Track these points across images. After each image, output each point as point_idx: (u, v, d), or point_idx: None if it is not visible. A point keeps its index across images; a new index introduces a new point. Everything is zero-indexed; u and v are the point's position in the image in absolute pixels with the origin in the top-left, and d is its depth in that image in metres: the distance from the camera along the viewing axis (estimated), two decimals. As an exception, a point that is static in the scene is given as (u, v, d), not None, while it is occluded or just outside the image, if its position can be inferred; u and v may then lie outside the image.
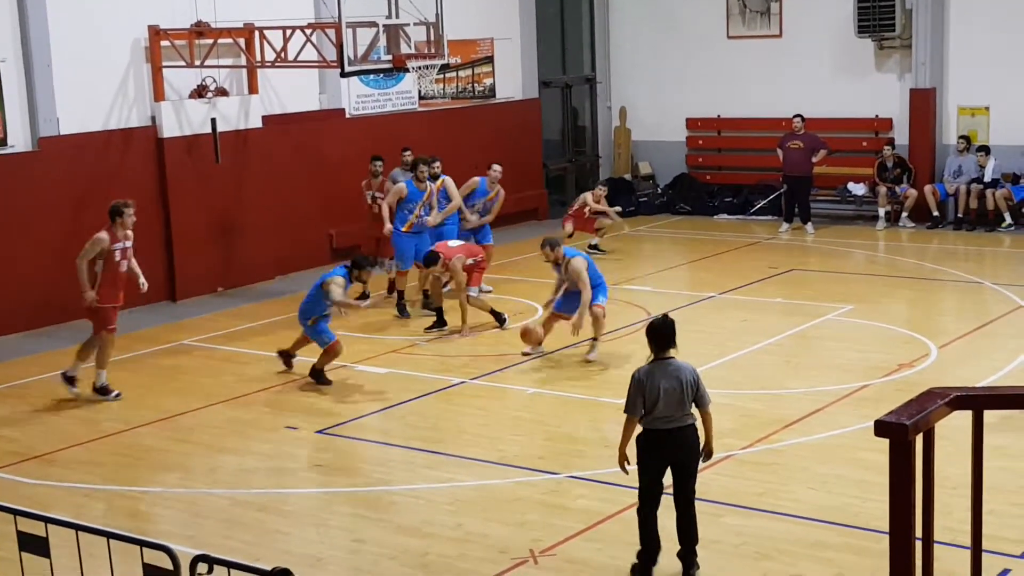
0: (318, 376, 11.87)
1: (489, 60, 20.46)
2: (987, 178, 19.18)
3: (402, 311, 14.47)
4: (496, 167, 15.98)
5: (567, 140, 22.67)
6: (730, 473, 9.06)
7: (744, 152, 21.83)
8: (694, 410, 7.19)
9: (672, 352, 7.20)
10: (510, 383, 11.73)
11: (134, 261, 11.60)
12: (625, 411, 7.20)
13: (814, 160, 19.50)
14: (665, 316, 7.32)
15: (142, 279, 11.67)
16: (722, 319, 14.03)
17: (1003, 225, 19.05)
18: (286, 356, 12.37)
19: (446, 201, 14.86)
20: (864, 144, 20.57)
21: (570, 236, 17.07)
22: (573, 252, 12.51)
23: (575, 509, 8.49)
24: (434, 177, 14.75)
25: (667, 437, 7.08)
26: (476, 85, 20.32)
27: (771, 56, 21.10)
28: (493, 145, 19.73)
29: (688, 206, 21.67)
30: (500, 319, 13.71)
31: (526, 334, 12.62)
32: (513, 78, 20.98)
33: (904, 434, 4.00)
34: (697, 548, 7.25)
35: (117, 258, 11.31)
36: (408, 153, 15.76)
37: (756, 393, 11.03)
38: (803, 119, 19.58)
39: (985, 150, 19.26)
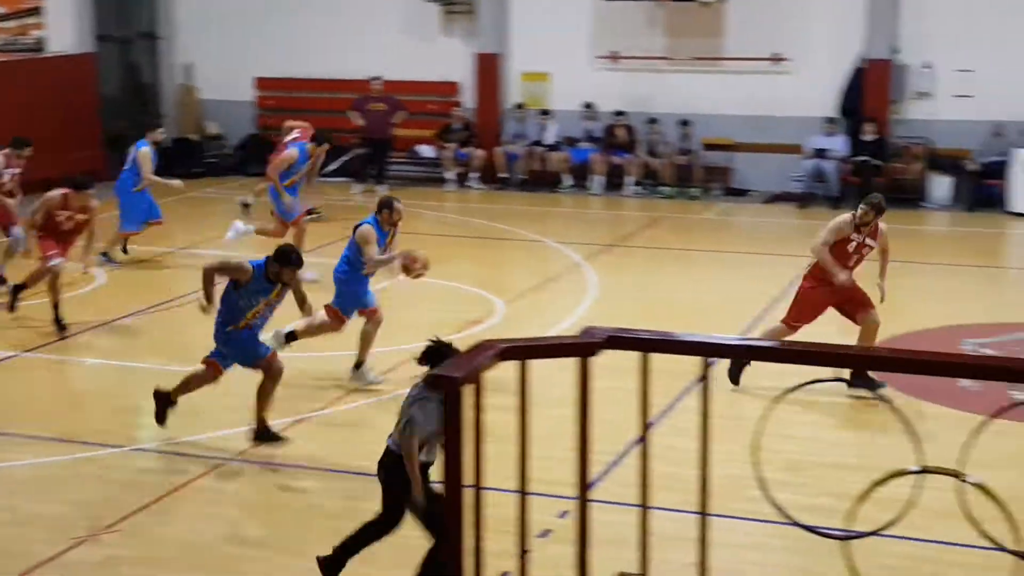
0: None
1: (38, 11, 19.06)
2: (548, 141, 20.12)
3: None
4: (290, 122, 15.01)
5: (128, 98, 21.59)
6: (306, 436, 8.97)
7: (317, 113, 21.63)
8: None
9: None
10: (70, 354, 11.01)
11: None
12: None
13: (393, 121, 19.69)
14: (445, 343, 6.64)
15: None
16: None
17: (562, 186, 20.07)
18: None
19: None
20: (432, 107, 20.97)
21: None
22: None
23: (141, 483, 8.10)
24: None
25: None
26: (23, 37, 18.89)
27: (341, 16, 21.02)
28: (42, 102, 18.45)
29: (261, 168, 21.25)
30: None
31: (414, 260, 10.52)
32: (66, 30, 19.67)
33: (455, 386, 4.17)
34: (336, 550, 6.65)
35: None
36: None
37: (331, 355, 10.94)
38: (382, 81, 19.68)
39: (546, 114, 20.18)
